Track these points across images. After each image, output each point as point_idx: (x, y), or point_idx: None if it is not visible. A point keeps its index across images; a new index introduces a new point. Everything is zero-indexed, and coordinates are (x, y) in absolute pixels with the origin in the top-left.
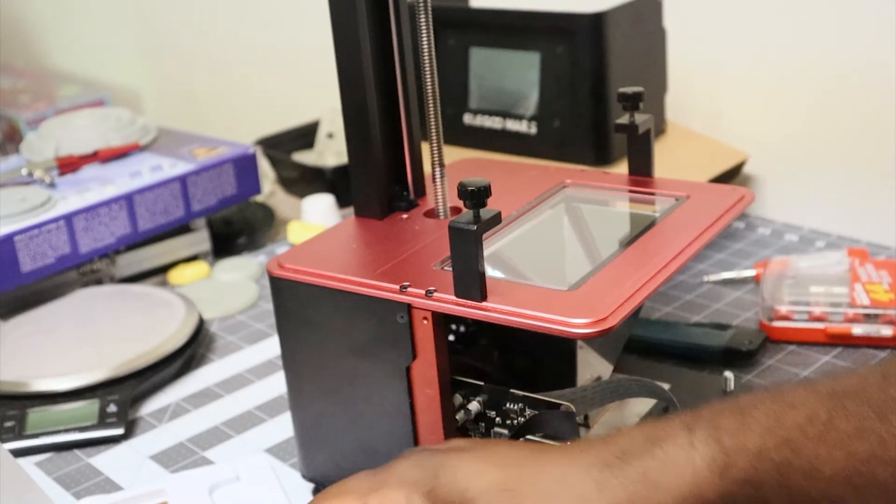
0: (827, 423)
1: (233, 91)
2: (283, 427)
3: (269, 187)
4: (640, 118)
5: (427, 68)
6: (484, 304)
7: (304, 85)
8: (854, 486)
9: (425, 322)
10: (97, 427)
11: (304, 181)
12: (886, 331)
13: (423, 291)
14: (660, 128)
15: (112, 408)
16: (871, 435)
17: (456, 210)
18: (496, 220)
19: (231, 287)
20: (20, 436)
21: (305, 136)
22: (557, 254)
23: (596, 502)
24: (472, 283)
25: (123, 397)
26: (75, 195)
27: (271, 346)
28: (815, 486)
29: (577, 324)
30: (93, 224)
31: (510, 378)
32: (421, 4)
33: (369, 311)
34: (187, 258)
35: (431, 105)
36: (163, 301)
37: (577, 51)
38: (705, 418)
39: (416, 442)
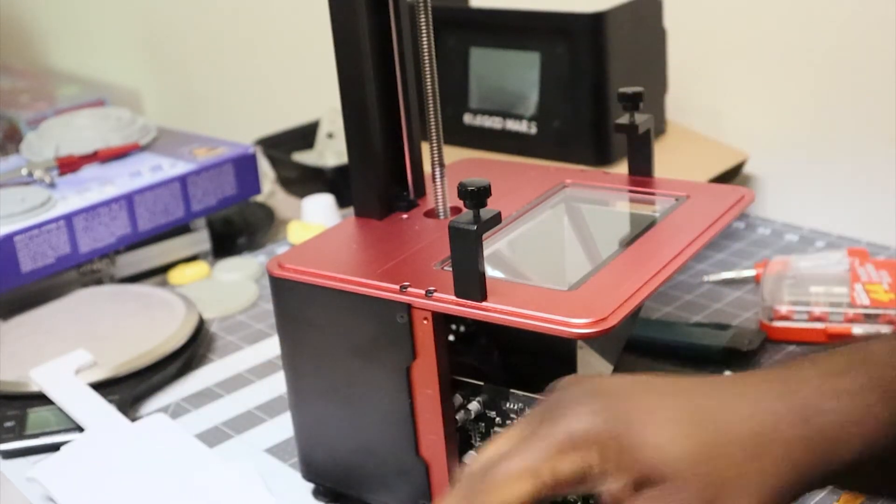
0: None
1: (233, 91)
2: (283, 427)
3: (269, 187)
4: (640, 118)
5: (427, 68)
6: (484, 304)
7: (304, 85)
8: None
9: (425, 322)
10: None
11: (304, 181)
12: (886, 331)
13: (423, 291)
14: (660, 128)
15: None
16: None
17: (456, 210)
18: (496, 220)
19: (231, 287)
20: (20, 436)
21: (305, 136)
22: (557, 254)
23: (801, 456)
24: (472, 283)
25: (124, 397)
26: (75, 195)
27: (271, 346)
28: None
29: (577, 324)
30: (93, 224)
31: (510, 378)
32: (421, 4)
33: (369, 311)
34: (187, 258)
35: (431, 105)
36: (163, 301)
37: (577, 51)
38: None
39: (416, 442)
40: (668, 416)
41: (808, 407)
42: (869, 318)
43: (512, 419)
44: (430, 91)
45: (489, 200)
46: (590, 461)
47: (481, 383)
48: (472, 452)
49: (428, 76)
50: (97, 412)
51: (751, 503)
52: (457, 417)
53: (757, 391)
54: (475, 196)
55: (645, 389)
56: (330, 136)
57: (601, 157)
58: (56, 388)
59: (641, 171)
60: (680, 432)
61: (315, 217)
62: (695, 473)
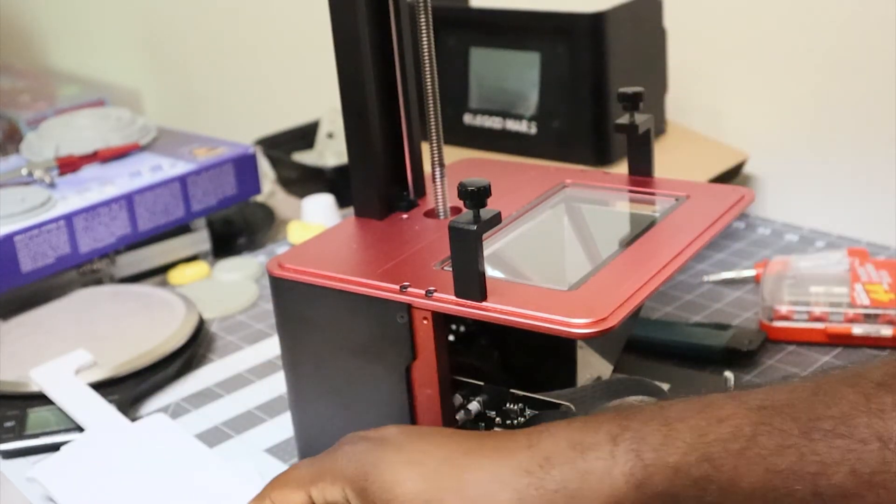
0: (750, 439)
1: (233, 91)
2: (283, 427)
3: (269, 187)
4: (640, 118)
5: (427, 68)
6: (484, 304)
7: (304, 85)
8: (770, 499)
9: (425, 322)
10: None
11: (304, 181)
12: (886, 331)
13: (423, 291)
14: (660, 128)
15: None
16: (792, 451)
17: (456, 210)
18: (496, 220)
19: (231, 287)
20: (20, 436)
21: (305, 136)
22: (557, 254)
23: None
24: (472, 283)
25: (123, 397)
26: (75, 195)
27: (271, 346)
28: (731, 500)
29: (577, 324)
30: (93, 224)
31: (510, 378)
32: (421, 4)
33: (369, 311)
34: (187, 258)
35: (431, 105)
36: (163, 301)
37: (577, 51)
38: (632, 429)
39: None
40: (411, 467)
41: (547, 459)
42: (869, 318)
43: (512, 419)
44: (430, 91)
45: (489, 200)
46: (344, 495)
47: (481, 383)
48: None
49: (428, 76)
50: (97, 412)
51: None
52: (457, 417)
53: (502, 452)
54: (475, 196)
55: (409, 440)
56: (330, 136)
57: (601, 157)
58: (56, 388)
59: (641, 171)
60: (413, 480)
61: (315, 217)
62: (423, 502)
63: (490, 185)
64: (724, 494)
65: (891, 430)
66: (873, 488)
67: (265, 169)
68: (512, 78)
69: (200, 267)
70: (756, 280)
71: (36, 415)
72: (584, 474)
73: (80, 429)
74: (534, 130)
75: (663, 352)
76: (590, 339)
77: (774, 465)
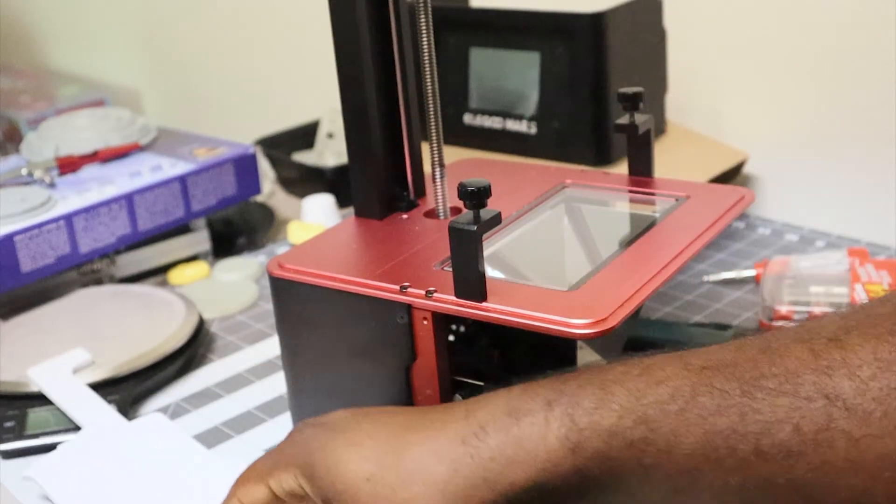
0: (689, 400)
1: (233, 91)
2: (283, 427)
3: (269, 187)
4: (640, 118)
5: (427, 68)
6: (484, 304)
7: (304, 85)
8: (712, 459)
9: (425, 322)
10: None
11: (304, 181)
12: None
13: (424, 292)
14: (660, 128)
15: (112, 407)
16: (733, 411)
17: (456, 210)
18: (496, 220)
19: (231, 287)
20: (20, 436)
21: (305, 136)
22: (557, 254)
23: (452, 483)
24: (472, 283)
25: (123, 397)
26: (75, 195)
27: (271, 346)
28: (671, 462)
29: (577, 324)
30: (93, 224)
31: (510, 378)
32: (421, 4)
33: (369, 311)
34: (187, 258)
35: (431, 105)
36: (163, 301)
37: (577, 51)
38: (567, 393)
39: None
40: (354, 448)
41: (483, 428)
42: None
43: None
44: (430, 91)
45: (489, 200)
46: (297, 482)
47: (481, 383)
48: None
49: (428, 76)
50: (94, 411)
51: None
52: None
53: (439, 425)
54: (475, 196)
55: (354, 422)
56: (330, 136)
57: (601, 157)
58: (53, 387)
59: (641, 171)
60: (355, 460)
61: (315, 217)
62: (355, 494)
63: (490, 186)
64: (662, 456)
65: (838, 387)
66: (818, 446)
67: (265, 169)
68: (512, 78)
69: (200, 267)
70: (756, 280)
71: (36, 415)
72: (518, 440)
73: (80, 429)
74: (534, 130)
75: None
76: (590, 340)
77: (714, 426)
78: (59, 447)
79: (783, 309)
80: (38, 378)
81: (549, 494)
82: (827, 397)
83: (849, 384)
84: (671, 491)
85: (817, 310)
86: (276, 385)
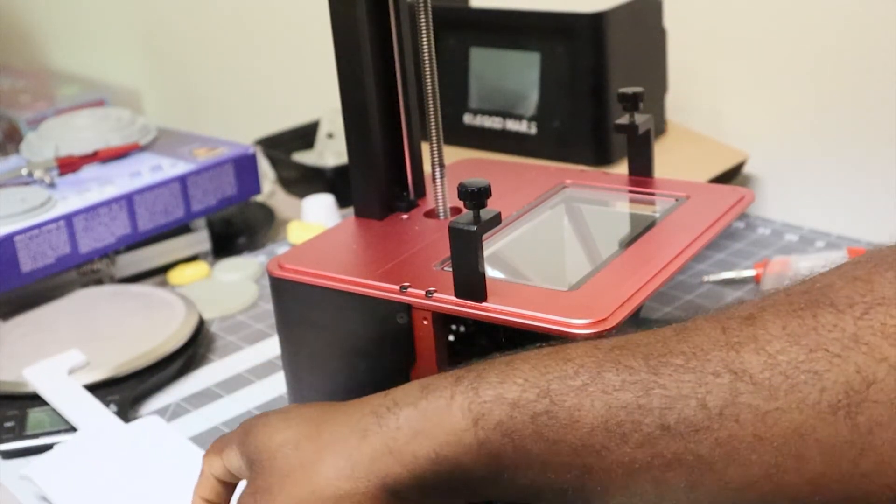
0: (594, 376)
1: (233, 91)
2: None
3: (269, 187)
4: (640, 118)
5: (427, 68)
6: (484, 304)
7: (304, 85)
8: (616, 434)
9: (425, 322)
10: None
11: (304, 181)
12: None
13: (424, 292)
14: (660, 128)
15: (112, 408)
16: (637, 386)
17: (456, 210)
18: (496, 220)
19: (231, 287)
20: (20, 436)
21: (305, 136)
22: (557, 254)
23: (358, 451)
24: (472, 283)
25: (123, 397)
26: (75, 195)
27: (271, 346)
28: (573, 435)
29: (577, 324)
30: (93, 224)
31: None
32: (421, 4)
33: (369, 311)
34: (187, 258)
35: (431, 105)
36: (163, 301)
37: (577, 51)
38: (475, 370)
39: None
40: (284, 422)
41: (395, 402)
42: None
43: None
44: (430, 91)
45: (489, 200)
46: (239, 460)
47: None
48: None
49: (428, 76)
50: (89, 412)
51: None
52: None
53: (360, 403)
54: (475, 196)
55: (295, 407)
56: (330, 136)
57: (601, 157)
58: (48, 389)
59: (641, 171)
60: (282, 431)
61: (315, 217)
62: (271, 459)
63: (490, 186)
64: (565, 430)
65: (745, 361)
66: (724, 421)
67: (265, 169)
68: (512, 78)
69: (200, 267)
70: (756, 280)
71: (36, 415)
72: (424, 412)
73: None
74: (534, 130)
75: None
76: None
77: (617, 400)
78: (55, 447)
79: None
80: (34, 379)
81: (458, 474)
82: (734, 372)
83: (756, 359)
84: (581, 469)
85: None
86: (276, 385)
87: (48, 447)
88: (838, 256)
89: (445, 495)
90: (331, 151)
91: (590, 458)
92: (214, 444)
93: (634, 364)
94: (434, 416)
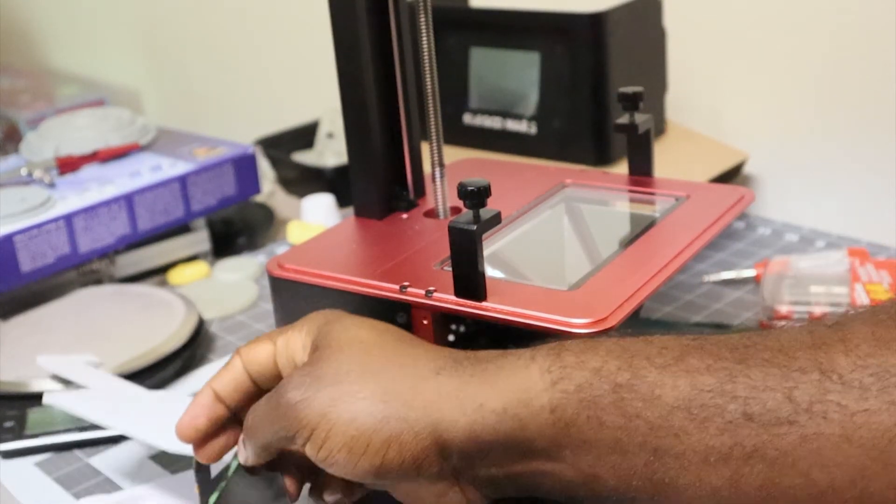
0: (678, 358)
1: (233, 91)
2: None
3: (269, 187)
4: (640, 118)
5: (427, 68)
6: (484, 304)
7: (304, 85)
8: (698, 419)
9: (425, 322)
10: (97, 427)
11: (304, 181)
12: None
13: (423, 291)
14: (660, 128)
15: None
16: (722, 372)
17: (456, 210)
18: (496, 220)
19: (231, 287)
20: (20, 436)
21: (305, 136)
22: (557, 254)
23: (425, 383)
24: (472, 283)
25: None
26: (75, 195)
27: None
28: (652, 412)
29: (577, 324)
30: (92, 224)
31: None
32: (421, 4)
33: (369, 311)
34: (187, 258)
35: (431, 105)
36: (162, 301)
37: (576, 51)
38: (555, 343)
39: None
40: (364, 326)
41: (475, 355)
42: None
43: None
44: (430, 91)
45: (489, 200)
46: (303, 341)
47: None
48: None
49: (428, 76)
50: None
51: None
52: None
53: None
54: (475, 196)
55: (374, 320)
56: (330, 136)
57: (601, 157)
58: (67, 370)
59: (641, 171)
60: (363, 328)
61: (315, 217)
62: (340, 347)
63: (490, 185)
64: (644, 404)
65: (833, 361)
66: (811, 417)
67: (265, 169)
68: (512, 78)
69: (200, 267)
70: (756, 280)
71: (36, 415)
72: (501, 367)
73: (80, 429)
74: (534, 130)
75: None
76: None
77: (702, 383)
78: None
79: (783, 309)
80: (51, 366)
81: (518, 440)
82: (822, 370)
83: (845, 360)
84: (653, 454)
85: (817, 310)
86: None
87: (48, 447)
88: (838, 256)
89: (487, 475)
90: (331, 151)
91: (666, 440)
92: (258, 338)
93: (719, 352)
94: (511, 373)
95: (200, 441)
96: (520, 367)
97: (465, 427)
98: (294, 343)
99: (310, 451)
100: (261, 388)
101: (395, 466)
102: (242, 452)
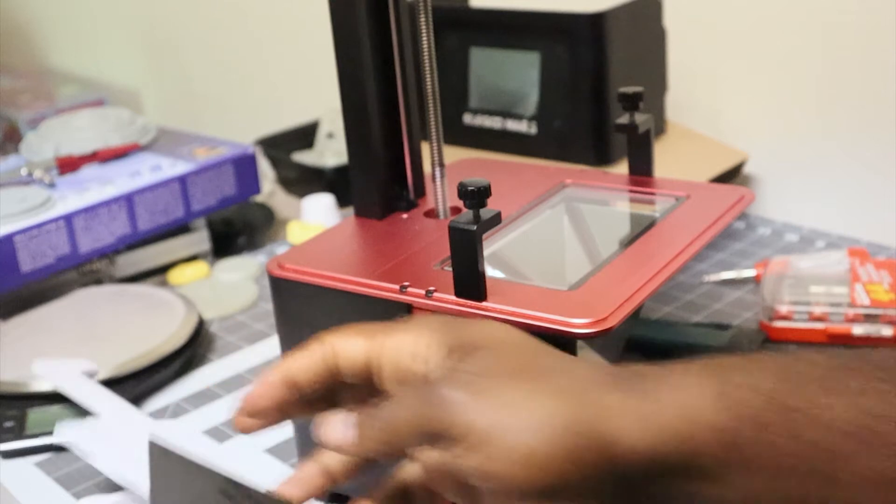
0: (841, 380)
1: (233, 91)
2: (282, 426)
3: (269, 187)
4: (640, 118)
5: (427, 68)
6: (484, 304)
7: (304, 85)
8: (866, 442)
9: None
10: None
11: (303, 181)
12: (887, 331)
13: (423, 291)
14: (660, 128)
15: None
16: (875, 393)
17: (456, 210)
18: (496, 220)
19: (231, 287)
20: (20, 436)
21: (305, 136)
22: (557, 254)
23: (588, 394)
24: (472, 283)
25: (123, 397)
26: (75, 195)
27: (271, 346)
28: (824, 436)
29: (577, 324)
30: (92, 224)
31: None
32: (421, 4)
33: (369, 311)
34: (187, 258)
35: (431, 105)
36: (163, 301)
37: (576, 51)
38: (715, 359)
39: None
40: (502, 327)
41: (636, 370)
42: (869, 318)
43: None
44: (430, 91)
45: (489, 200)
46: (427, 341)
47: None
48: None
49: (428, 76)
50: (108, 402)
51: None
52: None
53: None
54: (475, 196)
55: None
56: (330, 136)
57: (601, 157)
58: (63, 381)
59: (641, 171)
60: (508, 331)
61: (315, 217)
62: (495, 348)
63: (490, 185)
64: (817, 428)
65: None
66: None
67: (265, 169)
68: (512, 78)
69: (200, 267)
70: (756, 280)
71: (36, 415)
72: (663, 383)
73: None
74: (534, 130)
75: (663, 352)
76: (590, 340)
77: (867, 406)
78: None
79: (783, 309)
80: (46, 372)
81: (687, 459)
82: None
83: None
84: (825, 479)
85: (817, 310)
86: None
87: (48, 447)
88: (838, 256)
89: (646, 495)
90: (331, 151)
91: (836, 465)
92: (354, 327)
93: (871, 372)
94: (676, 390)
95: (255, 415)
96: (687, 385)
97: (633, 443)
98: (404, 346)
99: (464, 460)
100: (342, 381)
101: (571, 485)
102: (341, 432)
